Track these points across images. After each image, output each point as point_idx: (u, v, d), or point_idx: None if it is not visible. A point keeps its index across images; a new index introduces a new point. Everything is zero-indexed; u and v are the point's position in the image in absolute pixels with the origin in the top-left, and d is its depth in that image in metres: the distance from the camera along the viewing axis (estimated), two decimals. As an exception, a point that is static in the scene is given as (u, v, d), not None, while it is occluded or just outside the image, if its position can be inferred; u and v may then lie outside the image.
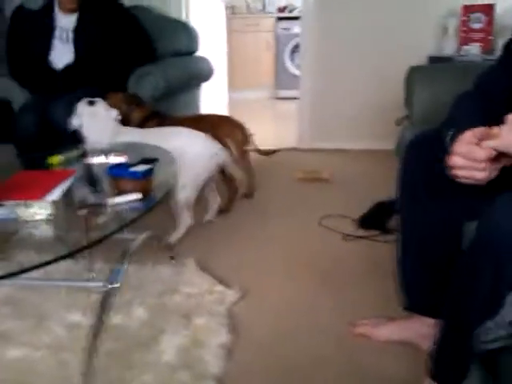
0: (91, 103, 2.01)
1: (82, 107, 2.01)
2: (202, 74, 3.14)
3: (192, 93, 3.13)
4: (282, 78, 5.77)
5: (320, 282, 1.76)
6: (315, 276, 1.80)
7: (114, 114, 2.02)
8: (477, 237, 0.97)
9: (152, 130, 2.15)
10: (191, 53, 3.09)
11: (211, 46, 3.94)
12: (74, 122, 1.99)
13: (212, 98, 3.98)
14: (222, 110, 4.27)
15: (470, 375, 1.04)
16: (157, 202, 1.34)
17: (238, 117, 2.56)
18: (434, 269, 1.30)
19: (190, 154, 1.89)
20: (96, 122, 1.98)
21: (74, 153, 1.66)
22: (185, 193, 1.97)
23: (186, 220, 2.03)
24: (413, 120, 1.83)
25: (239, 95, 5.54)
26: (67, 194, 1.39)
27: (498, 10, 3.06)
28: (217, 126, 2.36)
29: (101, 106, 2.02)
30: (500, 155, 0.96)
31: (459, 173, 1.01)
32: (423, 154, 1.24)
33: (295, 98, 3.74)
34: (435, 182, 1.22)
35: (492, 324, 0.96)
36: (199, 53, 3.18)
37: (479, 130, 0.97)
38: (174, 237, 2.02)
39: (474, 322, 0.99)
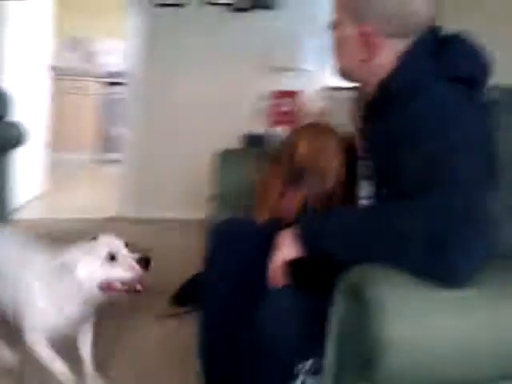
0: None
1: None
2: (10, 141, 2.93)
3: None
4: (107, 142, 5.69)
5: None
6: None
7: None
8: (254, 326, 1.05)
9: None
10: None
11: (30, 108, 3.73)
12: None
13: (30, 161, 3.73)
14: (39, 172, 4.01)
15: None
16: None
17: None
18: (229, 362, 1.32)
19: None
20: None
21: None
22: None
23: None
24: (217, 203, 1.90)
25: (61, 157, 5.30)
26: None
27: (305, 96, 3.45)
28: None
29: None
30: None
31: None
32: (224, 245, 1.31)
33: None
34: (230, 272, 1.29)
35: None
36: (14, 116, 2.98)
37: None
38: None
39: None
